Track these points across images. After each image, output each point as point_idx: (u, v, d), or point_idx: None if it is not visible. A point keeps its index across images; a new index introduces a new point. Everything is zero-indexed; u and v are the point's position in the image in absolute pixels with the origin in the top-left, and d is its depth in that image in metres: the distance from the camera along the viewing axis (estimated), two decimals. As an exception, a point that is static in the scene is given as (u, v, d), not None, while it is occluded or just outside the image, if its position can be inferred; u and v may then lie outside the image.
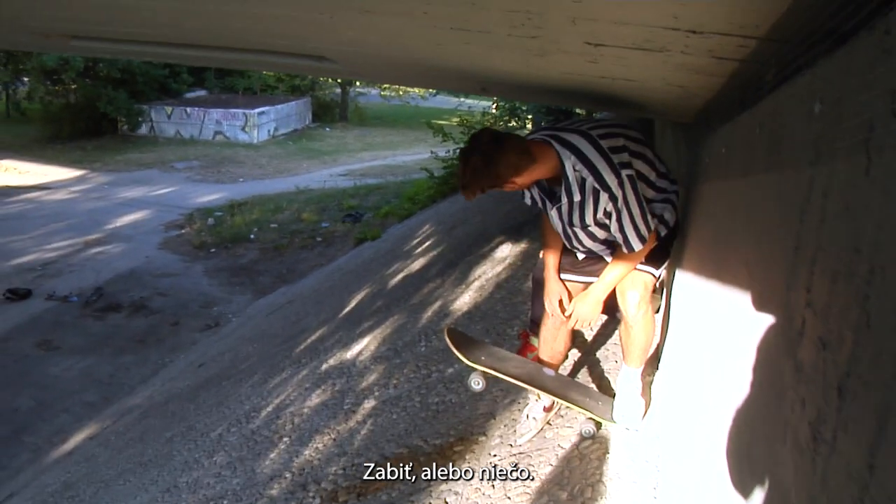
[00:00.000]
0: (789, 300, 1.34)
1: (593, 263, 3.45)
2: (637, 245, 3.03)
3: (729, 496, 1.71)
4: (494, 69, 3.27)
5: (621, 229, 3.00)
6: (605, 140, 2.97)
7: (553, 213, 3.21)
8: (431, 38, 2.62)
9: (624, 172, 2.91)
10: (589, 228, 3.11)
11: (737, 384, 1.79)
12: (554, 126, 3.14)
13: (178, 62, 28.19)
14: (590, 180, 2.92)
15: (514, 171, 2.91)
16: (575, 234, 3.20)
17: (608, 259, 3.33)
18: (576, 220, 3.10)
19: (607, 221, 3.03)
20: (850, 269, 1.01)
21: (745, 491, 1.57)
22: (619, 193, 2.91)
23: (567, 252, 3.50)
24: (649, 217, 3.03)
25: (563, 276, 3.56)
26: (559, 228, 3.28)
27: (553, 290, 3.52)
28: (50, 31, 3.97)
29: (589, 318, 3.32)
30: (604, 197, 2.94)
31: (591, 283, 3.53)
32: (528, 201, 3.37)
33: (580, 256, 3.45)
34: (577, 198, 3.00)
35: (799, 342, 1.24)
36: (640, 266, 3.21)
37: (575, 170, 2.94)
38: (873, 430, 0.87)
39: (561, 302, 3.51)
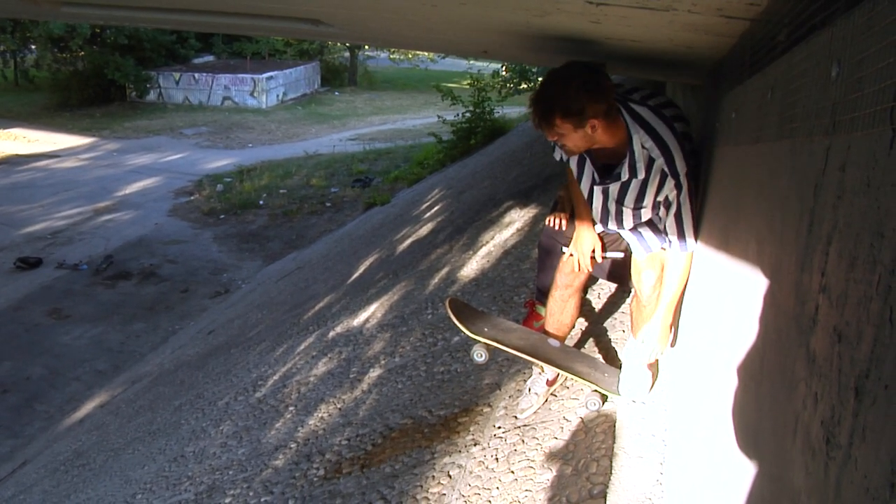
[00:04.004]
0: (802, 282, 1.24)
1: (604, 239, 3.36)
2: (692, 244, 2.93)
3: (736, 480, 1.62)
4: (494, 31, 3.14)
5: (679, 224, 2.89)
6: (678, 124, 2.86)
7: (597, 189, 3.05)
8: (425, -2, 2.50)
9: (691, 163, 2.82)
10: (641, 210, 2.97)
11: (745, 364, 1.70)
12: (618, 92, 2.90)
13: (172, 27, 28.04)
14: (660, 161, 2.80)
15: (598, 116, 2.69)
16: (620, 212, 3.04)
17: (625, 237, 3.21)
18: (629, 199, 2.95)
19: (663, 210, 2.92)
20: (872, 255, 0.90)
21: (753, 484, 1.48)
22: (684, 183, 2.82)
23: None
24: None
25: (571, 250, 3.47)
26: (598, 204, 3.11)
27: (587, 239, 3.37)
28: (38, -3, 3.86)
29: (662, 349, 3.17)
30: (670, 183, 2.82)
31: (604, 256, 3.45)
32: (558, 157, 3.22)
33: (596, 230, 3.35)
34: (640, 175, 2.86)
35: (812, 330, 1.14)
36: (663, 245, 3.09)
37: (644, 147, 2.80)
38: (896, 443, 0.77)
39: (593, 254, 3.38)
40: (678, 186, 2.82)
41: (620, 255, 3.51)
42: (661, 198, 2.89)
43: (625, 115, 2.80)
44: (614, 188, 2.97)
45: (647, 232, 3.12)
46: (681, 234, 2.92)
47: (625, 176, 2.89)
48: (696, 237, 2.94)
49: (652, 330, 3.12)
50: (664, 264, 3.07)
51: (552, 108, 2.69)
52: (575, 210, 3.43)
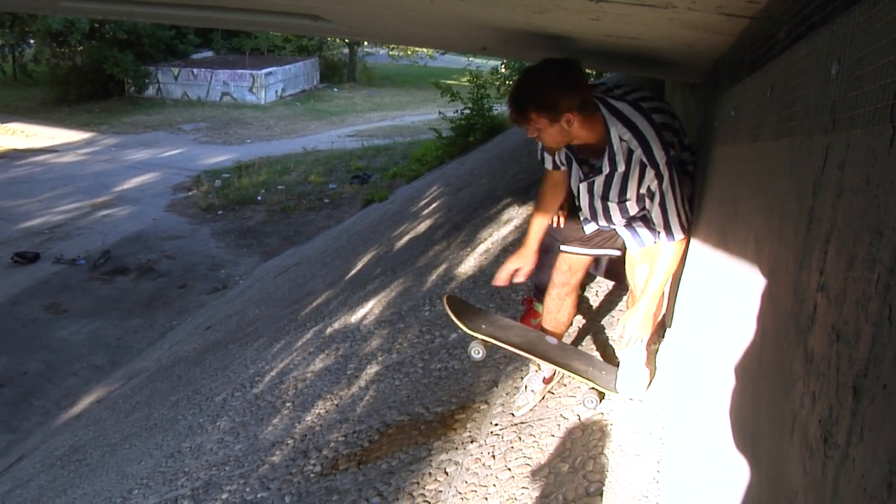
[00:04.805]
0: (800, 281, 1.23)
1: (601, 237, 3.37)
2: (679, 233, 2.94)
3: (734, 478, 1.62)
4: (493, 28, 3.13)
5: (664, 214, 2.90)
6: (657, 115, 2.88)
7: (583, 186, 3.09)
8: (424, -6, 2.49)
9: (672, 152, 2.84)
10: (626, 203, 3.00)
11: (743, 362, 1.69)
12: (599, 90, 2.98)
13: (171, 23, 28.01)
14: (638, 153, 2.82)
15: (572, 110, 2.74)
16: (606, 208, 3.07)
17: (620, 232, 3.22)
18: (613, 193, 2.98)
19: (648, 202, 2.93)
20: (871, 253, 0.90)
21: (751, 482, 1.48)
22: (665, 173, 2.83)
23: (573, 223, 3.41)
24: (686, 204, 2.95)
25: (568, 248, 3.49)
26: (585, 201, 3.15)
27: (526, 257, 3.40)
28: (36, -9, 3.84)
29: (642, 335, 3.18)
30: (650, 174, 2.84)
31: (599, 255, 3.46)
32: (540, 156, 3.25)
33: (588, 231, 3.35)
34: (620, 168, 2.89)
35: (810, 329, 1.14)
36: (656, 239, 3.10)
37: (622, 139, 2.83)
38: (894, 442, 0.76)
39: (516, 273, 3.40)
40: (658, 176, 2.83)
41: (617, 252, 3.51)
42: (644, 189, 2.91)
43: (602, 109, 2.84)
44: (599, 183, 3.00)
45: (641, 227, 3.13)
46: (666, 225, 2.93)
47: (606, 169, 2.93)
48: (686, 227, 2.95)
49: (634, 316, 3.13)
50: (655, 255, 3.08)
51: (527, 102, 2.75)
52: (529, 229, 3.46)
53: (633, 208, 3.02)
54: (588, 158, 3.02)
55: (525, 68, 2.86)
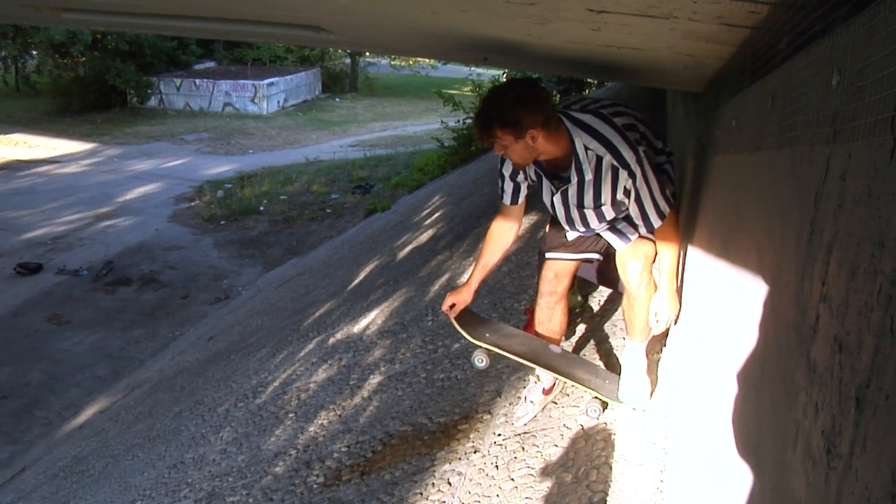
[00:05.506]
0: (802, 291, 1.23)
1: (584, 242, 3.40)
2: (657, 222, 3.01)
3: (737, 488, 1.62)
4: (495, 38, 3.15)
5: (641, 207, 2.98)
6: (618, 118, 2.97)
7: (557, 199, 3.15)
8: (425, 5, 2.50)
9: (640, 149, 2.91)
10: (602, 208, 3.06)
11: (745, 372, 1.69)
12: (561, 105, 3.08)
13: (173, 34, 28.07)
14: (608, 158, 2.90)
15: (535, 126, 2.82)
16: (583, 216, 3.13)
17: (604, 235, 3.24)
18: (588, 200, 3.05)
19: (626, 200, 3.00)
20: (873, 265, 0.90)
21: (754, 492, 1.48)
22: (637, 170, 2.90)
23: (556, 232, 3.44)
24: (667, 191, 3.01)
25: (553, 255, 3.52)
26: (561, 213, 3.21)
27: (463, 294, 3.46)
28: (39, 4, 3.85)
29: (674, 314, 3.21)
30: (623, 174, 2.91)
31: (584, 258, 3.53)
32: (506, 189, 3.30)
33: (570, 237, 3.38)
34: (588, 176, 2.96)
35: (812, 339, 1.14)
36: (643, 235, 3.14)
37: (588, 148, 2.91)
38: (898, 454, 0.76)
39: (454, 306, 3.46)
40: (632, 175, 2.90)
41: (598, 256, 3.53)
42: (620, 192, 2.98)
43: (566, 122, 2.92)
44: (572, 193, 3.06)
45: (623, 226, 3.18)
46: (644, 217, 3.01)
47: (573, 178, 3.00)
48: (668, 207, 3.01)
49: (660, 299, 3.16)
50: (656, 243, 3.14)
51: (491, 120, 2.84)
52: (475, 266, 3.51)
53: (609, 213, 3.09)
54: (559, 173, 3.08)
55: (489, 89, 2.94)
